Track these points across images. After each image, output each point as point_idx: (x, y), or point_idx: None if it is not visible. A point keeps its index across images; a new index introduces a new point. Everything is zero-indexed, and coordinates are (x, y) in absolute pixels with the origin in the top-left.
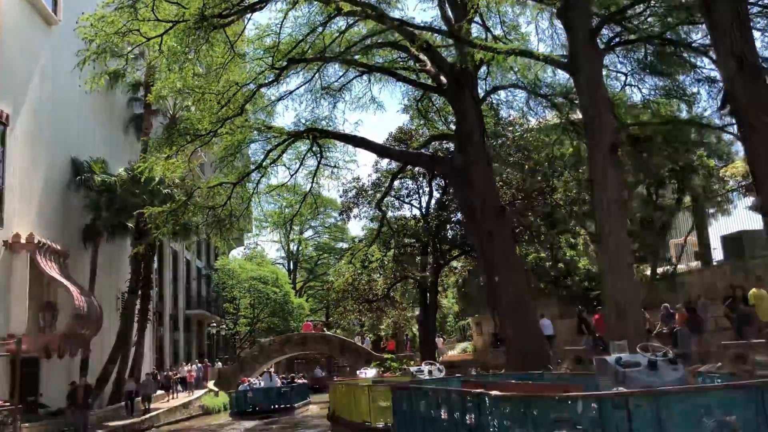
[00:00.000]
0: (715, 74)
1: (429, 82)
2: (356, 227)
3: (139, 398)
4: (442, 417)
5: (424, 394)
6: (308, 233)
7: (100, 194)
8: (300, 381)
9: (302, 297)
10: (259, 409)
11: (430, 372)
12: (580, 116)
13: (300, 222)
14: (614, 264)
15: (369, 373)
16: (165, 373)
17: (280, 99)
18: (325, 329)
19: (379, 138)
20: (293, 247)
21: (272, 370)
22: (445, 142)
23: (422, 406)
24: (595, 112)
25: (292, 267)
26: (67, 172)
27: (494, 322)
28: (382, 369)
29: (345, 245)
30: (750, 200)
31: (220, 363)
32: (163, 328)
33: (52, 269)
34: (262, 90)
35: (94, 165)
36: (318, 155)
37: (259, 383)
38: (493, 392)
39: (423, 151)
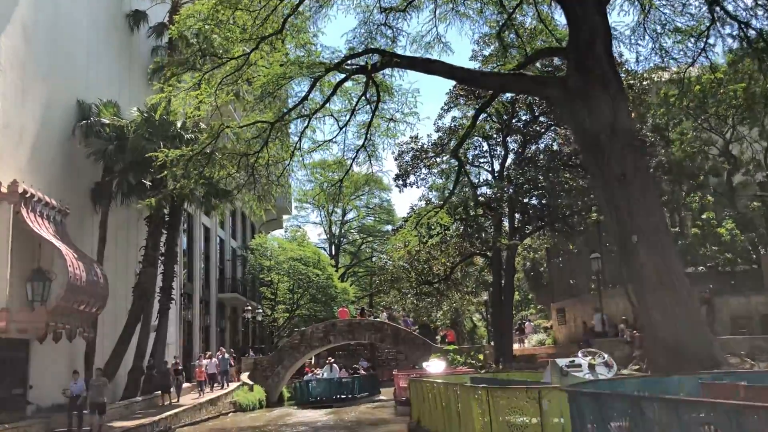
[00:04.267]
0: None
1: None
2: (407, 201)
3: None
4: None
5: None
6: (351, 215)
7: (110, 141)
8: (363, 372)
9: (345, 282)
10: (320, 399)
11: (591, 367)
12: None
13: (347, 196)
14: None
15: (436, 366)
16: (168, 367)
17: None
18: (368, 316)
19: (441, 93)
20: (335, 229)
21: (332, 360)
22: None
23: None
24: None
25: (333, 251)
26: (72, 116)
27: (630, 303)
28: (448, 362)
29: (391, 228)
30: None
31: (251, 353)
32: (193, 312)
33: (42, 227)
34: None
35: (104, 109)
36: (373, 103)
37: (322, 374)
38: None
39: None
